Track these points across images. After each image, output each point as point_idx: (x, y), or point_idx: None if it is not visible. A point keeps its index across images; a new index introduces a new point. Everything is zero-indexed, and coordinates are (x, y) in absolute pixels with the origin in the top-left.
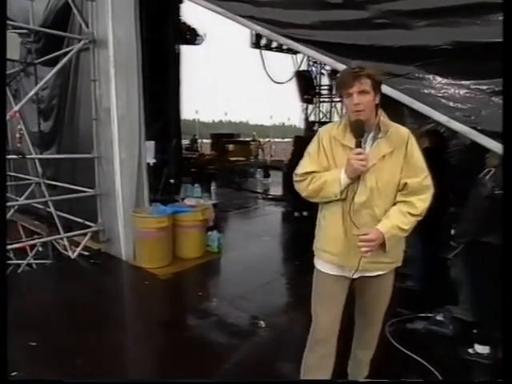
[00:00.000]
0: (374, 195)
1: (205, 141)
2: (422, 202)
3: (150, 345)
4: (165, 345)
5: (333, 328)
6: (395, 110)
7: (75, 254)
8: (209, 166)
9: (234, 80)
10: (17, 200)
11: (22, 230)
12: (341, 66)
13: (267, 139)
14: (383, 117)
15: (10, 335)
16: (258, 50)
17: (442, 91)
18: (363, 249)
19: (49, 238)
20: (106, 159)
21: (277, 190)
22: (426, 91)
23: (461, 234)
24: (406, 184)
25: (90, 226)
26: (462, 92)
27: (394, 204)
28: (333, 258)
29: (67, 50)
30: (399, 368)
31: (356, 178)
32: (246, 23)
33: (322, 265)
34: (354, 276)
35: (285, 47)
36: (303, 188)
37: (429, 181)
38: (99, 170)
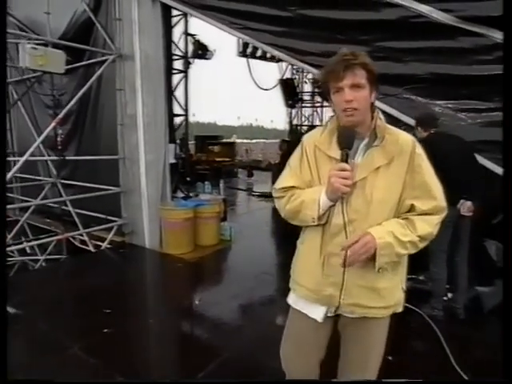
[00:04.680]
0: (361, 217)
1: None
2: (424, 223)
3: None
4: (217, 300)
5: (307, 377)
6: None
7: (103, 246)
8: (196, 167)
9: (205, 84)
10: (28, 201)
11: (29, 228)
12: None
13: (246, 140)
14: (380, 120)
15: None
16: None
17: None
18: (348, 255)
19: (74, 233)
20: (131, 160)
21: (262, 188)
22: (411, 107)
23: None
24: (412, 206)
25: (111, 221)
26: (436, 109)
27: None
28: (307, 293)
29: (91, 61)
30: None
31: (339, 198)
32: (267, 48)
33: (295, 300)
34: (331, 314)
35: (268, 55)
36: (281, 206)
37: (443, 202)
38: (123, 170)
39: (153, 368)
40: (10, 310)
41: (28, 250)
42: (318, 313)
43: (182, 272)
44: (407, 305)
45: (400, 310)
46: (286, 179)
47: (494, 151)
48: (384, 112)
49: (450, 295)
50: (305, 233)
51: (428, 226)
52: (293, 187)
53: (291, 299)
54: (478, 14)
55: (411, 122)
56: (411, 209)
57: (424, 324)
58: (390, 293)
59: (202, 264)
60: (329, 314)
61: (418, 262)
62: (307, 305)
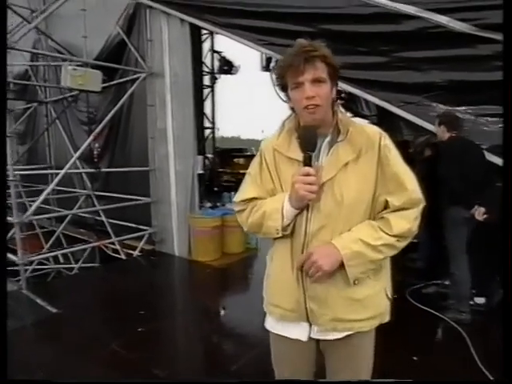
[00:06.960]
0: (332, 222)
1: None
2: (400, 220)
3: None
4: (246, 303)
5: None
6: (393, 124)
7: (135, 254)
8: (222, 178)
9: (229, 99)
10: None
11: (64, 238)
12: (367, 96)
13: None
14: (341, 114)
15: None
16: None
17: None
18: (310, 272)
19: (108, 240)
20: (161, 171)
21: None
22: (431, 114)
23: None
24: (386, 203)
25: (141, 230)
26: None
27: None
28: (285, 313)
29: (124, 80)
30: (416, 319)
31: (305, 206)
32: None
33: (272, 325)
34: (314, 336)
35: None
36: (243, 220)
37: (418, 194)
38: (154, 181)
39: (182, 363)
40: (52, 309)
41: (61, 260)
42: (301, 331)
43: (211, 277)
44: (432, 311)
45: (387, 319)
46: (246, 190)
47: None
48: (404, 119)
49: (476, 300)
50: (273, 247)
51: (405, 223)
52: (254, 198)
53: (268, 324)
54: (495, 22)
55: (432, 128)
56: (386, 206)
57: (449, 327)
58: (373, 301)
59: (230, 270)
60: (312, 335)
61: (442, 267)
62: (287, 326)
